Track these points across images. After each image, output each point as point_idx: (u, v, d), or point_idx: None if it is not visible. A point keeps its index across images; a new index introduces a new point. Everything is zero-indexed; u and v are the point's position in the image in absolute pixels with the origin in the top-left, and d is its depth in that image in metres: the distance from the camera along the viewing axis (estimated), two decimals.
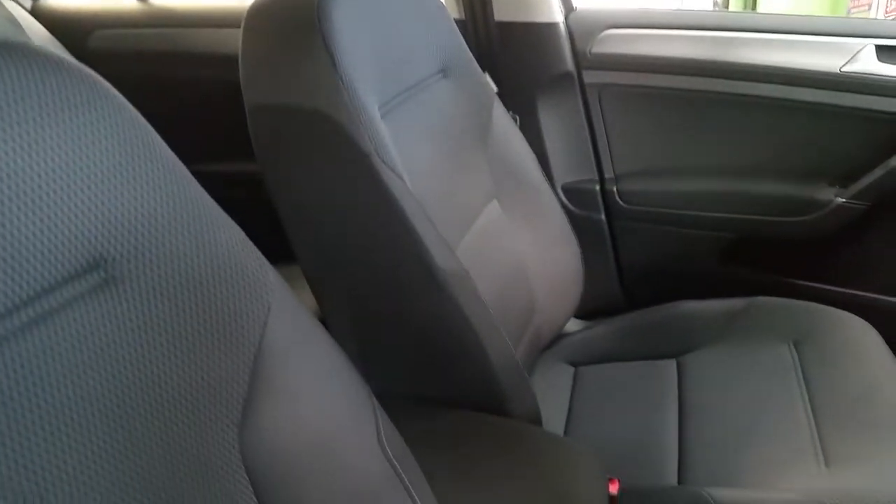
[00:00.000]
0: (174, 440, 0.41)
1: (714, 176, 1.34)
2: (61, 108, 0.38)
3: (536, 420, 0.96)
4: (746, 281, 1.36)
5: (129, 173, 0.41)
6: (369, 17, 0.85)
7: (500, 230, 1.08)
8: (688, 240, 1.38)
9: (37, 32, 1.45)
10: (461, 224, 0.99)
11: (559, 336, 1.26)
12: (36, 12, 1.53)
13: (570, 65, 1.35)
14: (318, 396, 0.51)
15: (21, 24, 1.37)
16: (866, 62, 1.17)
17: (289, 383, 0.48)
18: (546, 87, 1.37)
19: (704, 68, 1.26)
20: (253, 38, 0.81)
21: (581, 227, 1.27)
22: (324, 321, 0.64)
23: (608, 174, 1.43)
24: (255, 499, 0.46)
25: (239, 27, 0.81)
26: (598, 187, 1.42)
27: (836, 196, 1.23)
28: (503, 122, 1.11)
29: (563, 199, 1.43)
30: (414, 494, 0.55)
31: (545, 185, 1.15)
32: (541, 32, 1.33)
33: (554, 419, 1.09)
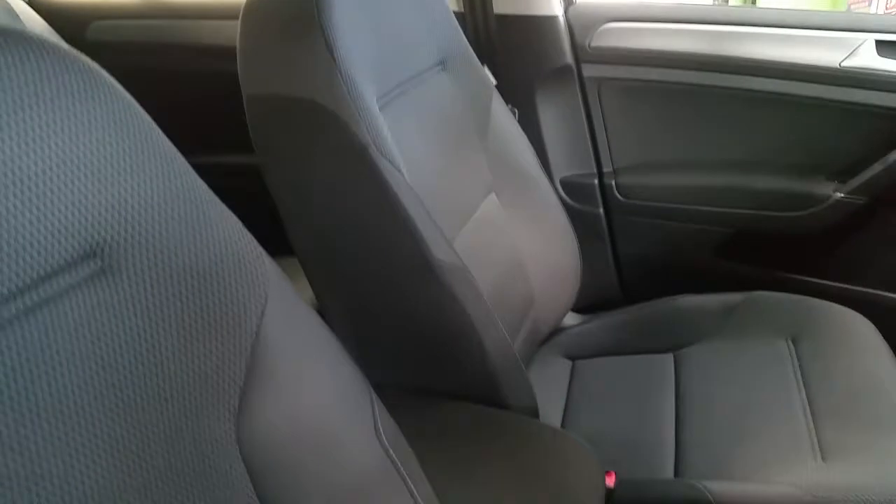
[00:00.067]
0: (172, 429, 0.41)
1: (713, 170, 1.34)
2: (57, 96, 0.38)
3: (533, 413, 0.96)
4: (744, 275, 1.37)
5: (126, 162, 0.40)
6: (368, 8, 0.85)
7: (498, 224, 1.08)
8: (686, 234, 1.38)
9: (35, 23, 1.45)
10: (459, 217, 0.99)
11: (557, 330, 1.26)
12: (34, 3, 1.53)
13: (569, 58, 1.34)
14: (315, 386, 0.51)
15: (19, 15, 1.36)
16: (866, 57, 1.17)
17: (285, 373, 0.48)
18: (545, 81, 1.36)
19: (704, 63, 1.26)
20: (251, 29, 0.81)
21: (579, 221, 1.27)
22: (321, 312, 0.64)
23: (606, 168, 1.43)
24: (251, 487, 0.46)
25: (237, 19, 0.81)
26: (596, 181, 1.42)
27: (835, 191, 1.23)
28: (502, 116, 1.11)
29: (562, 192, 1.43)
30: (410, 485, 0.55)
31: (543, 179, 1.15)
32: (540, 25, 1.33)
33: (551, 412, 1.09)
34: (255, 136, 0.83)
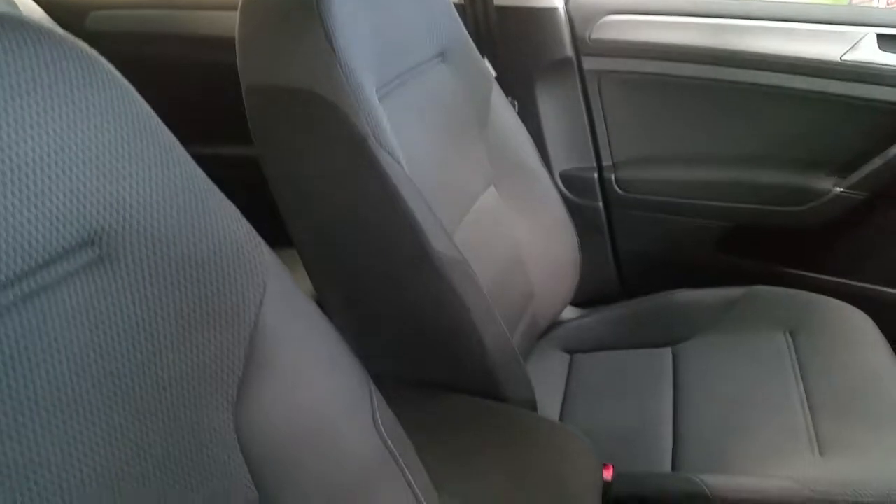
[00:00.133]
0: (170, 418, 0.41)
1: (713, 164, 1.34)
2: (55, 82, 0.37)
3: (532, 406, 0.96)
4: (743, 270, 1.36)
5: (125, 149, 0.40)
6: None
7: (497, 216, 1.08)
8: (685, 228, 1.38)
9: (33, 13, 1.44)
10: (458, 209, 0.99)
11: (555, 323, 1.26)
12: None
13: (569, 51, 1.34)
14: (314, 376, 0.51)
15: (18, 4, 1.36)
16: (867, 51, 1.17)
17: (284, 363, 0.48)
18: (545, 73, 1.36)
19: (705, 56, 1.26)
20: (250, 19, 0.80)
21: (578, 214, 1.27)
22: (320, 304, 0.64)
23: (606, 162, 1.42)
24: (249, 477, 0.46)
25: (237, 9, 0.80)
26: (596, 175, 1.42)
27: (835, 186, 1.23)
28: (502, 108, 1.11)
29: (561, 186, 1.43)
30: (408, 475, 0.55)
31: (543, 172, 1.15)
32: (540, 17, 1.32)
33: (549, 406, 1.09)
34: (253, 127, 0.82)
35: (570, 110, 1.39)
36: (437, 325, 0.88)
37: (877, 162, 1.19)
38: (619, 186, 1.40)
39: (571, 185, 1.43)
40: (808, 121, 1.25)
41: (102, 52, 0.42)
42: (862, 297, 1.18)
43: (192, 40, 1.48)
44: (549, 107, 1.39)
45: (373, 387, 0.57)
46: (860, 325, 1.08)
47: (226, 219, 0.46)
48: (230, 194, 0.48)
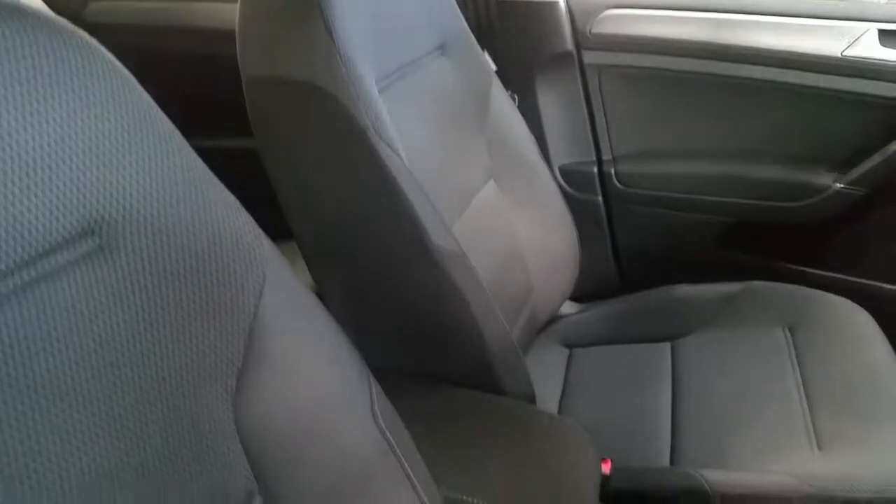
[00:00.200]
0: (169, 408, 0.41)
1: (712, 159, 1.33)
2: (55, 70, 0.37)
3: (530, 400, 0.96)
4: (743, 265, 1.36)
5: (125, 139, 0.40)
6: None
7: (496, 210, 1.08)
8: (685, 223, 1.38)
9: (32, 1, 1.44)
10: (458, 203, 0.99)
11: (554, 318, 1.26)
12: None
13: (569, 44, 1.34)
14: (313, 367, 0.51)
15: None
16: (868, 46, 1.16)
17: (283, 354, 0.48)
18: (545, 67, 1.36)
19: (705, 50, 1.25)
20: (250, 10, 0.80)
21: (578, 209, 1.27)
22: (320, 296, 0.64)
23: (606, 156, 1.42)
24: (248, 467, 0.46)
25: (237, 1, 0.80)
26: (595, 169, 1.41)
27: (835, 182, 1.23)
28: (502, 102, 1.11)
29: (561, 180, 1.43)
30: (406, 466, 0.55)
31: (543, 167, 1.15)
32: (541, 11, 1.32)
33: (548, 400, 1.09)
34: (253, 118, 0.82)
35: (570, 104, 1.39)
36: (437, 318, 0.88)
37: (876, 158, 1.19)
38: (618, 181, 1.40)
39: (571, 180, 1.43)
40: (809, 116, 1.24)
41: (101, 44, 0.42)
42: (861, 293, 1.18)
43: (192, 32, 1.48)
44: (549, 101, 1.38)
45: (372, 378, 0.57)
46: (859, 321, 1.08)
47: (225, 209, 0.46)
48: (230, 186, 0.48)
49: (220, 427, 0.44)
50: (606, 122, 1.40)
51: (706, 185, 1.33)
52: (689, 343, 1.13)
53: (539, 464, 0.81)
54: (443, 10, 1.02)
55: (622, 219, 1.44)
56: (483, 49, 1.12)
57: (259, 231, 0.49)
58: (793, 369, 1.01)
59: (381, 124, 0.78)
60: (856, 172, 1.21)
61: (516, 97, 1.33)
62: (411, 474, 0.56)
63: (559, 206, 1.17)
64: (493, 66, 1.22)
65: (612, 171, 1.40)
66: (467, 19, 1.08)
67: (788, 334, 1.08)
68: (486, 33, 1.33)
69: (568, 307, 1.31)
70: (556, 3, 1.31)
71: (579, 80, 1.37)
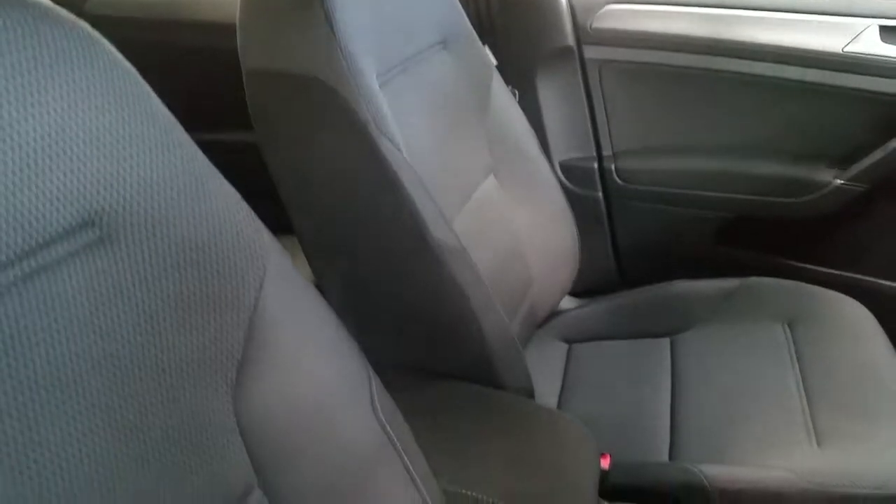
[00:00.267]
0: (169, 399, 0.41)
1: (713, 155, 1.33)
2: (56, 61, 0.37)
3: (529, 395, 0.96)
4: (742, 261, 1.36)
5: (125, 130, 0.40)
6: None
7: (497, 205, 1.08)
8: (685, 219, 1.38)
9: None
10: (458, 197, 0.99)
11: (554, 313, 1.26)
12: None
13: (570, 39, 1.33)
14: (313, 360, 0.51)
15: None
16: (869, 42, 1.16)
17: (283, 347, 0.48)
18: (546, 62, 1.35)
19: (706, 46, 1.25)
20: (251, 4, 0.80)
21: (578, 204, 1.26)
22: (320, 290, 0.64)
23: (606, 152, 1.42)
24: (248, 460, 0.46)
25: None
26: (595, 165, 1.41)
27: (835, 178, 1.23)
28: (502, 97, 1.11)
29: (561, 176, 1.43)
30: (406, 459, 0.55)
31: (543, 162, 1.15)
32: (541, 6, 1.32)
33: (547, 395, 1.09)
34: (253, 112, 0.82)
35: (570, 100, 1.39)
36: (436, 313, 0.88)
37: (877, 154, 1.19)
38: (618, 177, 1.40)
39: (571, 175, 1.43)
40: (809, 112, 1.24)
41: (102, 37, 0.42)
42: (860, 290, 1.18)
43: (193, 25, 1.47)
44: (549, 96, 1.38)
45: (372, 372, 0.57)
46: (858, 317, 1.08)
47: (226, 202, 0.46)
48: (231, 180, 0.48)
49: (220, 419, 0.44)
50: (607, 118, 1.40)
51: (706, 181, 1.33)
52: (689, 338, 1.13)
53: (538, 459, 0.81)
54: (444, 5, 1.02)
55: (622, 214, 1.44)
56: (484, 44, 1.12)
57: (259, 224, 0.49)
58: (792, 365, 1.01)
59: (381, 118, 0.78)
60: (856, 169, 1.21)
61: (517, 92, 1.33)
62: (411, 468, 0.56)
63: (559, 202, 1.17)
64: (494, 61, 1.22)
65: (613, 166, 1.40)
66: (468, 14, 1.08)
67: (788, 330, 1.08)
68: (486, 28, 1.33)
69: (567, 302, 1.31)
70: None
71: (580, 75, 1.37)
